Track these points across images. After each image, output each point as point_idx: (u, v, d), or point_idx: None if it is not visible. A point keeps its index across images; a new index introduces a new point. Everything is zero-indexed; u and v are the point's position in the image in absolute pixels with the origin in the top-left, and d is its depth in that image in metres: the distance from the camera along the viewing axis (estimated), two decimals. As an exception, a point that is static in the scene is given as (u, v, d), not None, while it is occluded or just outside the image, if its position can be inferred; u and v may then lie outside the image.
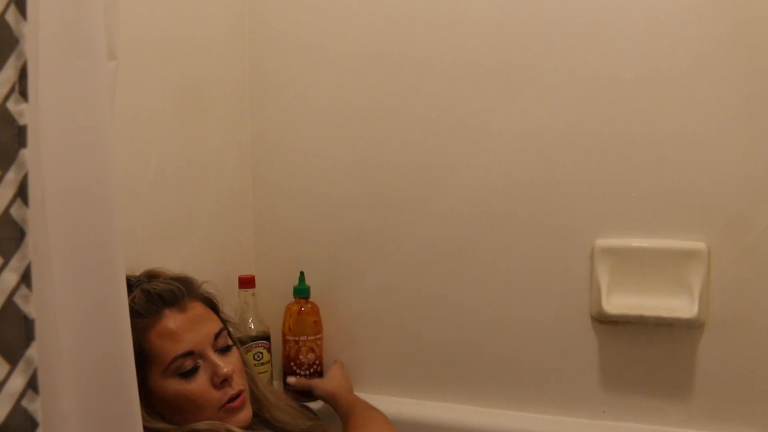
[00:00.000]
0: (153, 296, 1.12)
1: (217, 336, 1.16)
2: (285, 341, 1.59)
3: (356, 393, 1.52)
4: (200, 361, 1.12)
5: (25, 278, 0.62)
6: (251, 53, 1.67)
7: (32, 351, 0.62)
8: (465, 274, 1.54)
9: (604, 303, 1.41)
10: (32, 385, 0.62)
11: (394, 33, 1.55)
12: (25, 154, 0.62)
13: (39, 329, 0.63)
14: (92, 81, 0.79)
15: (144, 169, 1.34)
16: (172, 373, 1.09)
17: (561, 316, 1.48)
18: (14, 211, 0.62)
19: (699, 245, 1.39)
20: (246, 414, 1.15)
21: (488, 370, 1.54)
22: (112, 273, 0.80)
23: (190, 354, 1.11)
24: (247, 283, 1.56)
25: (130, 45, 1.22)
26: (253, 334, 1.54)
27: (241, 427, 1.13)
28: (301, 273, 1.60)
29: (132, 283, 1.14)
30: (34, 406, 0.62)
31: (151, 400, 1.08)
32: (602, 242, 1.44)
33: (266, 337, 1.56)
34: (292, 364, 1.58)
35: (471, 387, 1.55)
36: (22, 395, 0.61)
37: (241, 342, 1.37)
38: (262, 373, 1.49)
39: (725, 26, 1.35)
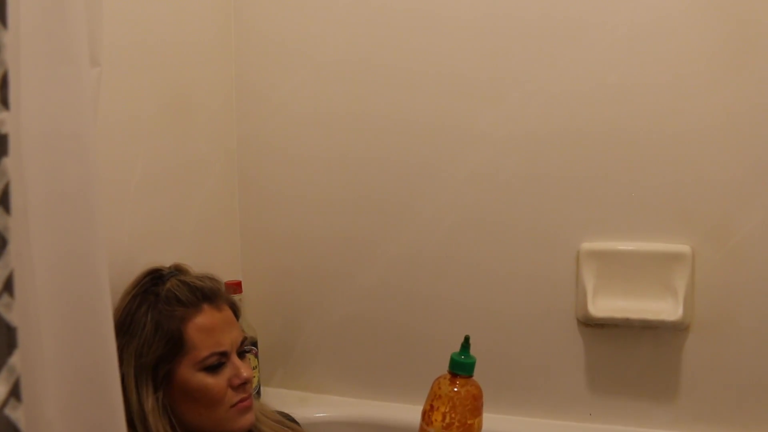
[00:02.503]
0: (194, 289, 1.15)
1: (242, 343, 1.20)
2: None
3: (344, 398, 1.52)
4: (225, 362, 1.15)
5: (8, 286, 0.62)
6: (237, 58, 1.67)
7: (15, 359, 0.62)
8: (451, 278, 1.55)
9: (590, 306, 1.42)
10: (15, 393, 0.62)
11: (380, 37, 1.56)
12: (7, 162, 0.62)
13: (22, 337, 0.63)
14: (75, 88, 0.78)
15: (130, 174, 1.34)
16: (202, 367, 1.11)
17: (547, 320, 1.49)
18: (-4, 219, 0.61)
19: (683, 248, 1.40)
20: (251, 418, 1.17)
21: (475, 374, 1.54)
22: (95, 279, 0.80)
23: (225, 353, 1.14)
24: (234, 288, 1.54)
25: (116, 51, 1.22)
26: (252, 338, 1.53)
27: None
28: (466, 337, 1.06)
29: (164, 273, 1.19)
30: (17, 414, 0.62)
31: (171, 387, 1.11)
32: (588, 245, 1.45)
33: (254, 343, 1.56)
34: None
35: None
36: (4, 403, 0.61)
37: None
38: None
39: (709, 31, 1.37)
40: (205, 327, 1.13)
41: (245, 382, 1.15)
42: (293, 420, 1.43)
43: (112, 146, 1.26)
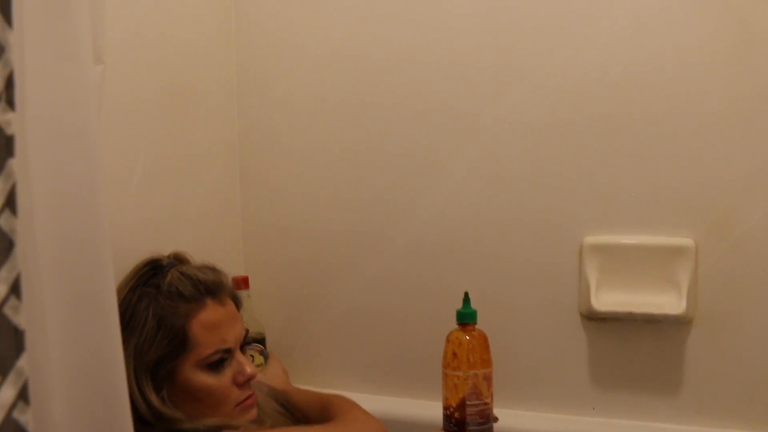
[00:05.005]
0: (197, 282, 1.12)
1: (245, 337, 1.17)
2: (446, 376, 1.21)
3: (348, 392, 1.52)
4: (229, 358, 1.12)
5: (15, 289, 0.62)
6: (238, 51, 1.66)
7: (23, 362, 0.62)
8: (455, 272, 1.55)
9: (593, 300, 1.42)
10: (23, 396, 0.62)
11: (382, 30, 1.55)
12: (13, 163, 0.61)
13: (29, 339, 0.63)
14: (79, 86, 0.78)
15: (132, 168, 1.33)
16: (205, 364, 1.09)
17: (550, 314, 1.49)
18: (3, 222, 0.61)
19: (687, 241, 1.40)
20: (253, 414, 1.16)
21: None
22: (101, 278, 0.80)
23: (228, 350, 1.12)
24: (241, 283, 1.51)
25: (117, 45, 1.21)
26: (258, 335, 1.51)
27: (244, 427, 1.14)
28: (466, 294, 1.24)
29: (164, 264, 1.15)
30: (25, 417, 0.62)
31: (173, 386, 1.08)
32: (591, 239, 1.45)
33: (261, 340, 1.54)
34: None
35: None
36: (13, 406, 0.61)
37: None
38: None
39: (712, 23, 1.36)
40: (209, 323, 1.10)
41: (249, 379, 1.14)
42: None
43: (114, 141, 1.25)
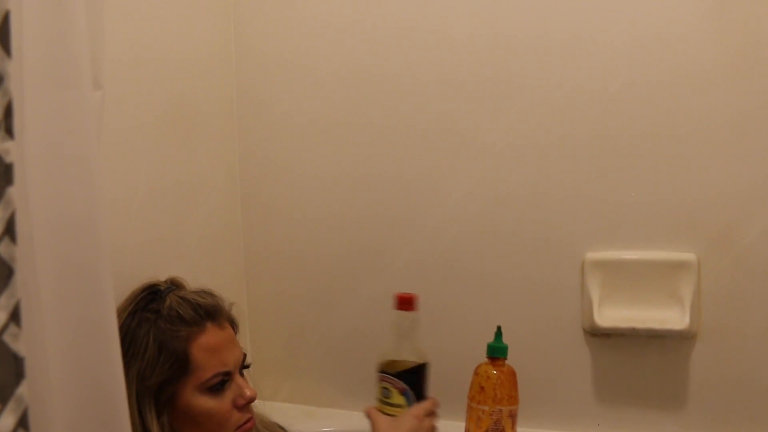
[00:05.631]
0: (197, 306, 1.12)
1: (243, 359, 1.17)
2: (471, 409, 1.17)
3: (351, 411, 1.51)
4: (228, 381, 1.12)
5: (14, 316, 0.62)
6: (237, 73, 1.67)
7: (22, 389, 0.62)
8: (456, 290, 1.54)
9: (596, 316, 1.42)
10: (23, 423, 0.62)
11: (381, 50, 1.56)
12: (12, 191, 0.61)
13: (29, 367, 0.63)
14: (79, 112, 0.79)
15: (132, 191, 1.34)
16: (206, 388, 1.09)
17: (553, 330, 1.49)
18: (2, 249, 0.61)
19: (689, 256, 1.40)
20: None
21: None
22: (102, 303, 0.80)
23: (228, 373, 1.12)
24: (407, 303, 1.21)
25: (117, 68, 1.21)
26: (407, 367, 1.17)
27: None
28: (498, 328, 1.21)
29: (162, 289, 1.16)
30: (26, 444, 0.61)
31: (174, 411, 1.07)
32: (593, 255, 1.45)
33: (408, 373, 1.18)
34: None
35: (464, 402, 1.55)
36: (12, 434, 0.61)
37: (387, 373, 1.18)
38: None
39: (711, 38, 1.36)
40: (210, 347, 1.10)
41: (249, 402, 1.13)
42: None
43: (115, 164, 1.26)
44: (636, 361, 1.44)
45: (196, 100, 1.55)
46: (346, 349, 1.64)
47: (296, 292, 1.65)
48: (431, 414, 1.15)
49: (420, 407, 1.14)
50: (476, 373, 1.16)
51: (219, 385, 1.10)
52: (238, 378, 1.14)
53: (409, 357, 1.17)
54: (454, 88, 1.51)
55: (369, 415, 1.17)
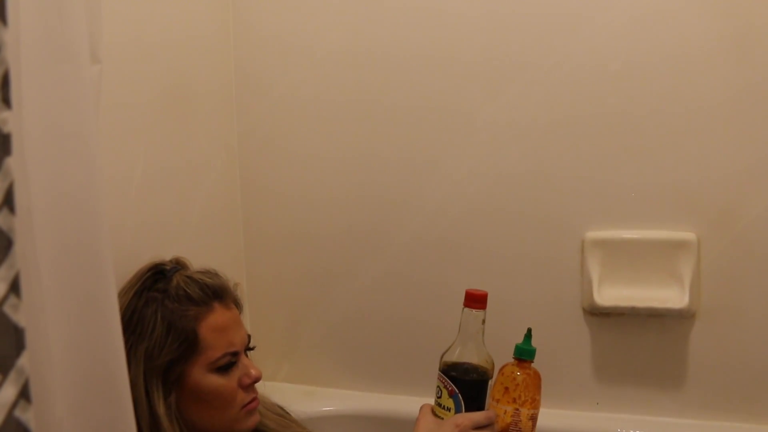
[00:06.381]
0: (204, 286, 1.12)
1: (248, 341, 1.17)
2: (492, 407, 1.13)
3: (351, 391, 1.51)
4: (236, 362, 1.12)
5: (14, 287, 0.62)
6: (236, 53, 1.66)
7: (23, 360, 0.62)
8: (455, 269, 1.55)
9: (596, 295, 1.42)
10: (24, 394, 0.62)
11: (380, 30, 1.55)
12: (10, 162, 0.61)
13: (29, 338, 0.63)
14: (76, 86, 0.78)
15: (131, 172, 1.33)
16: (214, 368, 1.09)
17: (553, 309, 1.49)
18: (1, 220, 0.61)
19: (689, 236, 1.40)
20: (257, 417, 1.16)
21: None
22: (101, 277, 0.79)
23: (236, 353, 1.12)
24: (477, 301, 1.12)
25: (116, 47, 1.21)
26: (465, 369, 1.09)
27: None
28: (529, 330, 1.16)
29: (168, 269, 1.15)
30: (27, 415, 0.61)
31: (181, 390, 1.07)
32: (592, 234, 1.45)
33: (474, 377, 1.10)
34: None
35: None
36: (14, 405, 0.61)
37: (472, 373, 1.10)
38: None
39: (712, 17, 1.36)
40: (218, 327, 1.10)
41: (255, 381, 1.14)
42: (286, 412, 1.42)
43: (114, 144, 1.25)
44: (635, 340, 1.45)
45: (194, 81, 1.54)
46: (345, 329, 1.65)
47: (295, 272, 1.66)
48: (480, 428, 1.05)
49: (467, 416, 1.05)
50: (501, 373, 1.12)
51: (227, 365, 1.10)
52: (244, 358, 1.14)
53: (472, 359, 1.09)
54: (453, 67, 1.51)
55: (419, 412, 1.12)
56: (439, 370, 1.10)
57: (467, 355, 1.09)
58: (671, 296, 1.40)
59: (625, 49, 1.41)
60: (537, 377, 1.14)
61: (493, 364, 1.10)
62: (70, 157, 0.77)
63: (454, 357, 1.09)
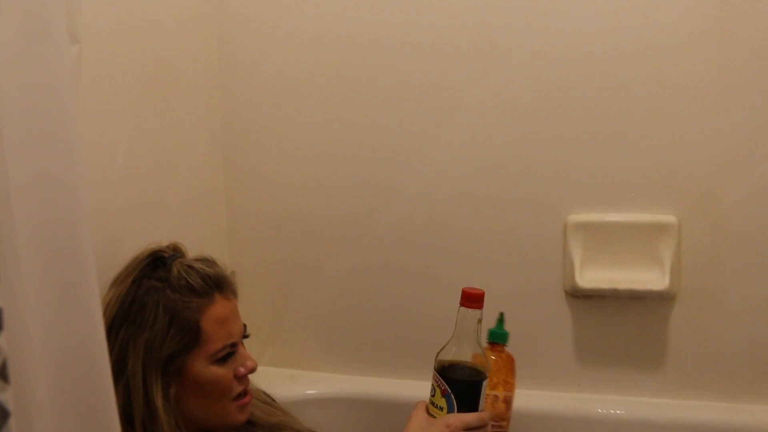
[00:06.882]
0: (205, 277, 1.11)
1: (244, 330, 1.16)
2: None
3: (334, 374, 1.52)
4: (234, 353, 1.12)
5: (-8, 268, 0.61)
6: (220, 35, 1.65)
7: (2, 340, 0.61)
8: (439, 252, 1.55)
9: (578, 277, 1.43)
10: (2, 375, 0.61)
11: (364, 13, 1.54)
12: (-13, 142, 0.61)
13: (7, 318, 0.63)
14: (55, 66, 0.77)
15: (112, 155, 1.32)
16: (215, 359, 1.08)
17: (535, 292, 1.50)
18: (-22, 201, 0.61)
19: (669, 218, 1.41)
20: (249, 412, 1.15)
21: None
22: (81, 260, 0.79)
23: (235, 344, 1.11)
24: (474, 300, 1.08)
25: (96, 29, 1.20)
26: (458, 369, 1.07)
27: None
28: (501, 314, 1.20)
29: (166, 256, 1.13)
30: (5, 395, 0.61)
31: (180, 382, 1.06)
32: (575, 217, 1.46)
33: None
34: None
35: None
36: (-9, 386, 0.61)
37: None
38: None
39: (694, 3, 1.37)
40: (219, 318, 1.09)
41: (250, 372, 1.13)
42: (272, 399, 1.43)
43: (94, 126, 1.24)
44: (616, 321, 1.46)
45: (177, 63, 1.53)
46: (328, 313, 1.65)
47: (279, 256, 1.65)
48: (471, 429, 1.03)
49: (459, 417, 1.03)
50: None
51: (226, 356, 1.10)
52: (242, 349, 1.14)
53: (466, 359, 1.06)
54: (437, 51, 1.51)
55: (414, 408, 1.10)
56: (434, 369, 1.07)
57: (462, 354, 1.06)
58: (652, 278, 1.41)
59: (608, 33, 1.41)
60: (510, 360, 1.16)
61: (489, 364, 1.09)
62: (49, 138, 0.76)
63: (448, 356, 1.07)
